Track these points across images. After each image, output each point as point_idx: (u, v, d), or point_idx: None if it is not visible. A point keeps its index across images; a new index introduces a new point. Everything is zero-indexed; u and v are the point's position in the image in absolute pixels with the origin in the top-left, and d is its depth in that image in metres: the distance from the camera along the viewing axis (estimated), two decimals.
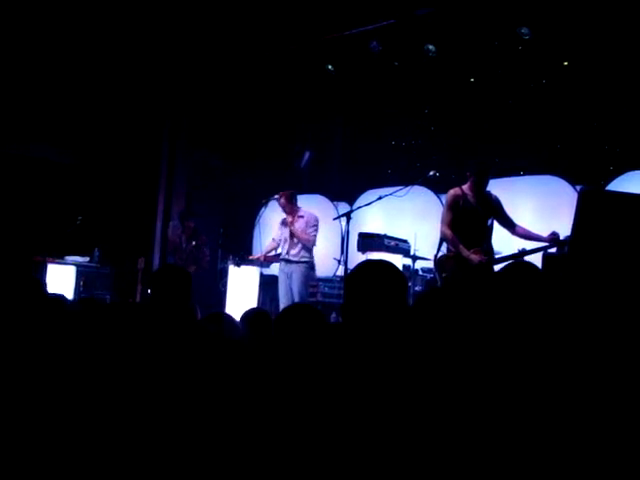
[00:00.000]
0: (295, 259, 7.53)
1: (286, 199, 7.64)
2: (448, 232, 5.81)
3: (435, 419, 1.77)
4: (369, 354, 2.07)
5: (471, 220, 5.83)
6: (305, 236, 7.50)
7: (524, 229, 6.00)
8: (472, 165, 5.92)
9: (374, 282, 2.16)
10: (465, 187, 5.91)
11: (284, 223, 7.73)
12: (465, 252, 5.68)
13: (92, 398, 2.28)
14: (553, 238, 5.62)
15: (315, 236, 7.59)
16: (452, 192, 5.93)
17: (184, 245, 8.41)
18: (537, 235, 5.86)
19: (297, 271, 7.49)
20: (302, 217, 7.63)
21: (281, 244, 7.71)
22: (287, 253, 7.58)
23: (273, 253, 8.02)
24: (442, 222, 5.92)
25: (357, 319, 2.13)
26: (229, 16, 8.62)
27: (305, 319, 2.85)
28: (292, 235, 7.55)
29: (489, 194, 5.98)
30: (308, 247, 7.55)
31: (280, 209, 7.80)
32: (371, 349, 2.09)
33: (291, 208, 7.65)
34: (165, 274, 3.53)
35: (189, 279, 3.47)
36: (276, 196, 7.76)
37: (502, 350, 2.02)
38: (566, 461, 1.67)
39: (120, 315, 2.87)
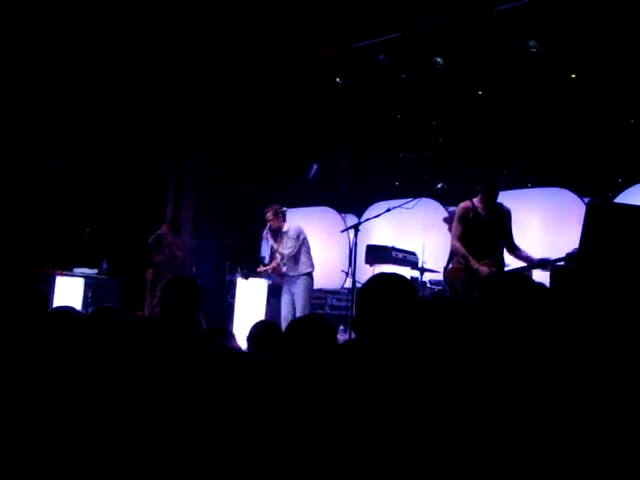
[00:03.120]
0: (294, 273, 7.53)
1: (273, 213, 7.62)
2: (458, 245, 5.82)
3: (448, 431, 1.77)
4: (382, 367, 2.07)
5: (481, 233, 5.83)
6: (286, 252, 7.50)
7: (524, 253, 5.90)
8: (480, 178, 5.92)
9: (387, 295, 2.17)
10: (475, 200, 5.92)
11: (273, 238, 7.72)
12: (475, 264, 5.67)
13: (98, 408, 2.28)
14: (560, 257, 5.48)
15: (292, 247, 7.50)
16: (462, 205, 5.94)
17: (166, 251, 8.19)
18: (533, 259, 5.76)
19: (299, 285, 7.47)
20: (286, 233, 7.61)
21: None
22: (286, 269, 7.59)
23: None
24: (453, 235, 5.94)
25: (369, 332, 2.13)
26: (236, 28, 8.67)
27: (315, 331, 2.84)
28: (281, 257, 7.56)
29: (501, 206, 5.97)
30: (305, 259, 7.53)
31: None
32: (384, 362, 2.08)
33: (277, 223, 7.62)
34: (176, 287, 3.53)
35: (199, 292, 3.48)
36: (265, 209, 7.75)
37: (516, 362, 2.02)
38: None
39: (130, 327, 2.87)
